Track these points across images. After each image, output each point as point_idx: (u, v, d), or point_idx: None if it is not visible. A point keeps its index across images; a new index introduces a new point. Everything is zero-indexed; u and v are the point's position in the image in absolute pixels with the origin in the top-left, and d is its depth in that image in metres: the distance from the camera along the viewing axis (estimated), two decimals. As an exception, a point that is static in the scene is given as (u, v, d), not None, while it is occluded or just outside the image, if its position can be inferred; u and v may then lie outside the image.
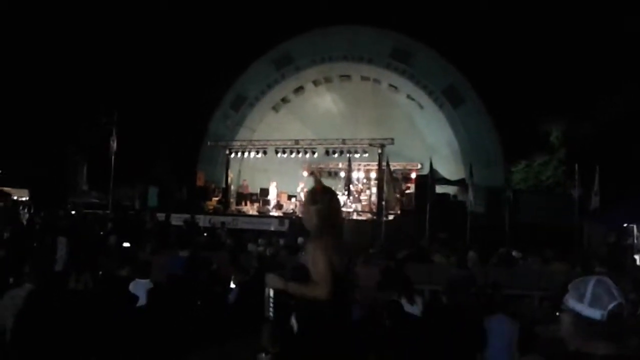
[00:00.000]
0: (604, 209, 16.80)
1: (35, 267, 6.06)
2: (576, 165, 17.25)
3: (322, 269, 3.34)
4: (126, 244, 11.03)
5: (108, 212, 19.34)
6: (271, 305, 3.56)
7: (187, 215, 17.83)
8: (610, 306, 2.17)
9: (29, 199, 22.45)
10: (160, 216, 17.63)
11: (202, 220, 18.80)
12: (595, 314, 2.18)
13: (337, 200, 3.81)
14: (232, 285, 7.46)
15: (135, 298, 6.10)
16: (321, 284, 3.33)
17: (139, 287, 6.44)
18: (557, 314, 2.58)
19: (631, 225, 17.62)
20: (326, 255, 3.36)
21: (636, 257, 13.81)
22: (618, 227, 17.70)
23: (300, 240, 13.03)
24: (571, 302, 2.26)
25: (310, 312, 3.38)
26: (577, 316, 2.23)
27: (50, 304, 5.92)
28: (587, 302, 2.21)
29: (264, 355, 3.72)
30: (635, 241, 17.38)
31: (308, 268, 3.40)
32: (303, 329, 3.41)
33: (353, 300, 5.51)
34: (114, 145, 19.68)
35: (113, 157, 19.26)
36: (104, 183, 20.23)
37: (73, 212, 18.61)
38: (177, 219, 17.76)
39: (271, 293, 3.52)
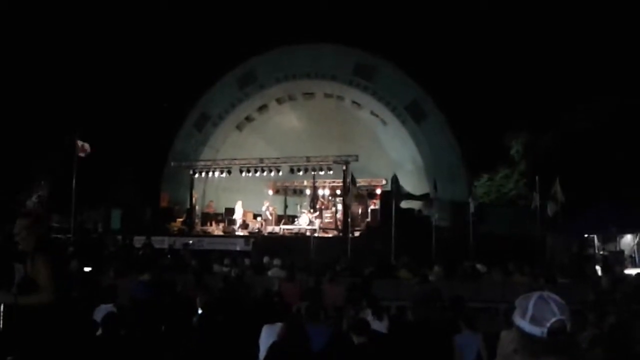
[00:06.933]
0: (565, 219, 17.14)
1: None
2: (537, 178, 17.56)
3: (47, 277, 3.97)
4: (87, 269, 10.78)
5: (70, 235, 18.85)
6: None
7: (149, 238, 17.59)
8: (549, 323, 2.20)
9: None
10: (124, 239, 17.34)
11: (166, 242, 18.53)
12: (536, 330, 2.22)
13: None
14: (198, 307, 7.33)
15: (97, 325, 5.95)
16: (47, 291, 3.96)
17: (103, 313, 6.29)
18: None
19: (592, 235, 17.98)
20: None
21: (597, 267, 14.05)
22: (579, 237, 18.04)
23: (265, 259, 12.95)
24: (516, 318, 2.30)
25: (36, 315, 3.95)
26: (522, 332, 2.27)
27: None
28: (528, 319, 2.24)
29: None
30: (597, 251, 17.72)
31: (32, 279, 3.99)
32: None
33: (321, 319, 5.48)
34: (87, 147, 18.56)
35: (74, 180, 18.67)
36: (66, 207, 19.72)
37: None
38: (141, 242, 17.55)
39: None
